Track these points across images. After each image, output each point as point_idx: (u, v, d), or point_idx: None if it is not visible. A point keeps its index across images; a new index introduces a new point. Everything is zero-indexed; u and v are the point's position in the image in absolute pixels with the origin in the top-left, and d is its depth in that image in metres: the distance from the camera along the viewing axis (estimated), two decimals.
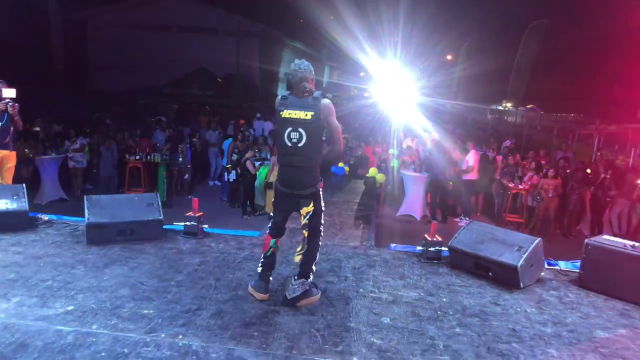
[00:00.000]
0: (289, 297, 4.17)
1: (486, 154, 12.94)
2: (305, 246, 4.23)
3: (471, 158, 11.34)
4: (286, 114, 4.04)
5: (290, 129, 4.03)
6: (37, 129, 12.68)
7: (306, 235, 4.22)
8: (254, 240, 6.02)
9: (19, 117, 6.79)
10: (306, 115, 4.02)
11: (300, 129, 4.02)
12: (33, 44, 22.11)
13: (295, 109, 4.04)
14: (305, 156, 4.08)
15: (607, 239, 5.18)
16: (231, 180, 11.46)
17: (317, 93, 4.10)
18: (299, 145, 4.04)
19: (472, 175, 11.38)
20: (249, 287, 4.36)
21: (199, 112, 20.12)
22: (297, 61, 4.18)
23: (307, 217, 4.16)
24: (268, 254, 4.28)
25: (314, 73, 4.19)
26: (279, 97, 4.15)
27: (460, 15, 34.48)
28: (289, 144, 4.05)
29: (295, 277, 4.25)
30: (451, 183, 11.62)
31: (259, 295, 4.24)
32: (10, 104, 6.59)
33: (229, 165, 11.43)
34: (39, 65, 22.28)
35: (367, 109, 20.97)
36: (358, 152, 14.11)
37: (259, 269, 4.32)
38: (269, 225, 4.37)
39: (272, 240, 4.29)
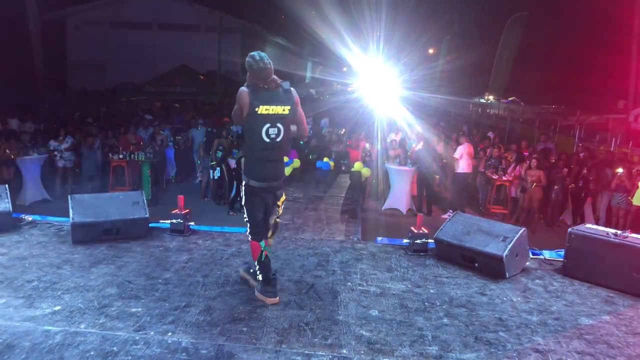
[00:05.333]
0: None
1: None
2: (277, 232, 4.43)
3: (458, 151, 11.26)
4: (262, 110, 3.88)
5: (268, 125, 3.92)
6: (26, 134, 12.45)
7: (278, 222, 4.35)
8: (241, 237, 6.00)
9: None
10: (284, 110, 3.96)
11: (279, 124, 3.96)
12: (11, 43, 21.76)
13: (271, 103, 3.91)
14: (282, 149, 4.10)
15: (590, 227, 5.26)
16: (216, 177, 11.43)
17: (286, 84, 4.02)
18: (277, 140, 3.98)
19: (465, 169, 11.29)
20: (256, 292, 4.23)
21: (182, 110, 20.00)
22: (261, 54, 3.95)
23: (282, 206, 4.28)
24: (262, 258, 4.16)
25: None
26: (247, 91, 3.91)
27: (441, 9, 34.59)
28: (267, 140, 3.94)
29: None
30: (437, 176, 11.67)
31: (270, 300, 4.13)
32: None
33: (214, 163, 11.38)
34: (18, 65, 21.95)
35: (350, 103, 21.00)
36: (339, 148, 14.03)
37: (260, 277, 4.18)
38: (249, 230, 4.18)
39: (261, 243, 4.17)
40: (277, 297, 4.16)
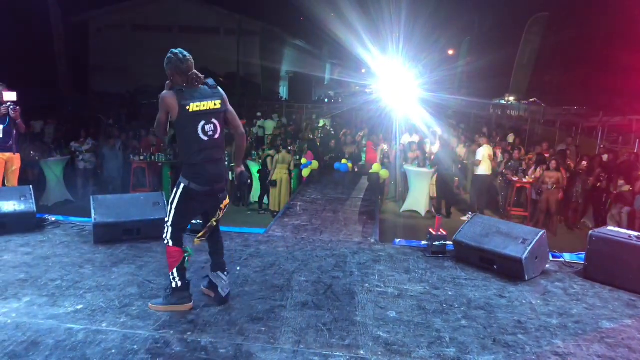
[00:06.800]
0: (224, 295, 4.06)
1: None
2: (221, 239, 4.17)
3: (479, 153, 11.17)
4: (194, 107, 3.70)
5: (204, 122, 3.75)
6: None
7: (215, 225, 4.02)
8: (260, 237, 6.07)
9: (21, 120, 6.85)
10: (215, 104, 3.80)
11: (214, 120, 3.81)
12: (34, 46, 22.19)
13: (202, 100, 3.74)
14: (221, 148, 3.93)
15: (611, 230, 5.19)
16: (232, 178, 11.53)
17: (210, 80, 3.88)
18: (215, 137, 3.82)
19: (485, 171, 11.17)
20: (163, 305, 3.94)
21: None
22: (179, 49, 3.81)
23: (225, 209, 4.01)
24: (185, 264, 3.94)
25: None
26: (173, 91, 3.72)
27: (461, 10, 34.43)
28: (205, 138, 3.77)
29: (226, 273, 4.12)
30: (457, 178, 11.61)
31: (187, 307, 3.93)
32: (12, 107, 6.64)
33: (233, 164, 11.46)
34: (41, 68, 22.36)
35: (369, 105, 20.97)
36: (352, 149, 13.93)
37: (178, 284, 3.90)
38: (170, 235, 3.86)
39: (185, 248, 3.95)
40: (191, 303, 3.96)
